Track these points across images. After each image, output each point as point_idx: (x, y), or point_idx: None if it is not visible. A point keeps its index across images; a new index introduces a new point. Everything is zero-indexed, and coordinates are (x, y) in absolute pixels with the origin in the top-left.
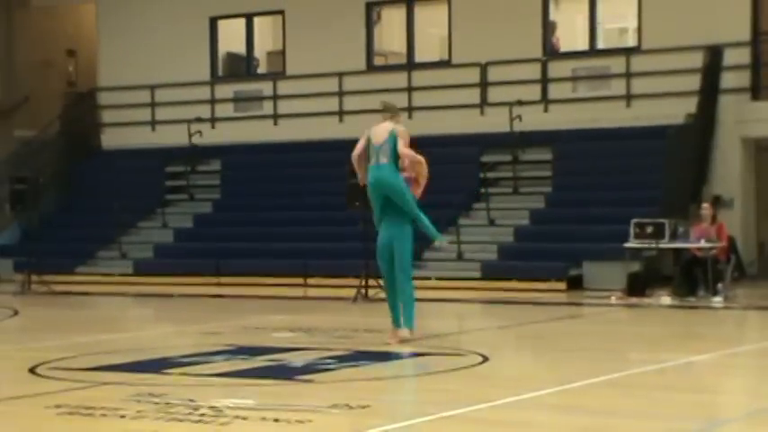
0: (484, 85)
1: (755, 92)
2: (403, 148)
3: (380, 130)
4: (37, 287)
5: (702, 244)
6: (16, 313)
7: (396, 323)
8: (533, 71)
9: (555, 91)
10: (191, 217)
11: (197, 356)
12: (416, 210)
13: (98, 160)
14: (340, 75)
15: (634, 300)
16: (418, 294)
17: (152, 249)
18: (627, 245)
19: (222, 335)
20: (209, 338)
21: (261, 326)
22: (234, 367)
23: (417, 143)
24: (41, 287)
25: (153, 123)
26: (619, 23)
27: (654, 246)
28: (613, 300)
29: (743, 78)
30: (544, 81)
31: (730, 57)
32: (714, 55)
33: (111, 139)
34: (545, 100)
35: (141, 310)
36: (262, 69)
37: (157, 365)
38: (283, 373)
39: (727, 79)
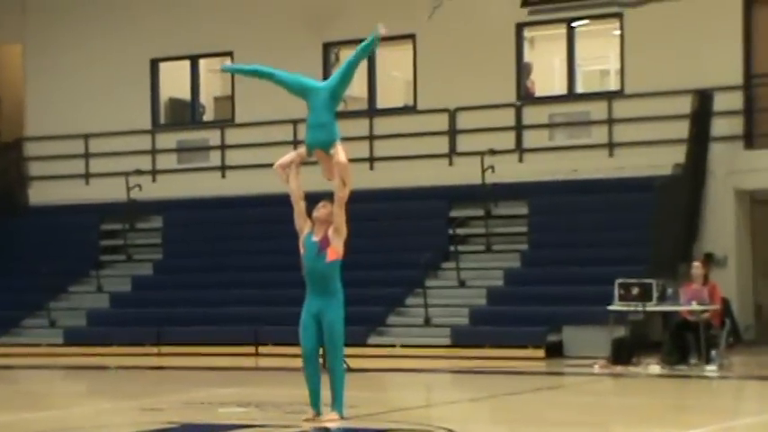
0: (453, 132)
1: (749, 140)
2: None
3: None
4: None
5: (694, 306)
6: None
7: (316, 408)
8: (507, 117)
9: (530, 139)
10: (129, 280)
11: None
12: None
13: (24, 217)
14: (294, 122)
15: (619, 368)
16: (382, 363)
17: (85, 316)
18: (611, 308)
19: (163, 411)
20: (148, 415)
21: (206, 400)
22: None
23: (380, 196)
24: None
25: (87, 176)
26: (600, 65)
27: (640, 309)
28: (597, 368)
29: (735, 125)
30: (518, 128)
31: (721, 102)
32: (704, 100)
33: (40, 194)
34: (520, 149)
35: (72, 384)
36: (208, 117)
37: None
38: None
39: (719, 126)
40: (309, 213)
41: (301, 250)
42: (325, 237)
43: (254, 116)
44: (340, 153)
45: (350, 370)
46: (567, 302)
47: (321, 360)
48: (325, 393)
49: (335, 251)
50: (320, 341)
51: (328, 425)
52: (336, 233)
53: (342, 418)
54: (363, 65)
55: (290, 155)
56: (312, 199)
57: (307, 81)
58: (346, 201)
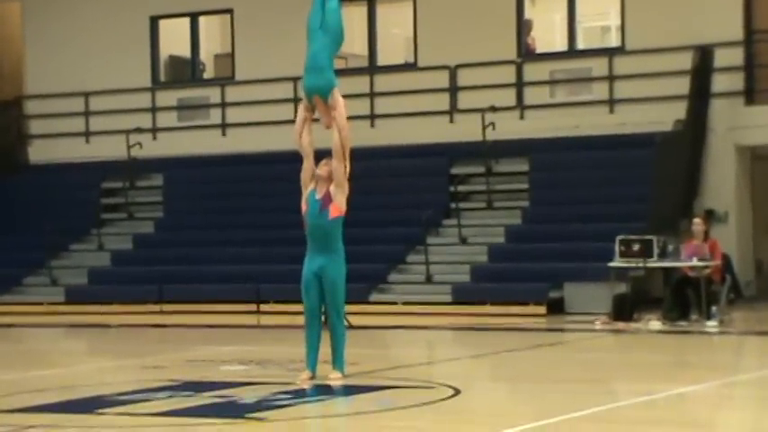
0: (453, 89)
1: (749, 96)
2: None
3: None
4: None
5: (694, 263)
6: None
7: (311, 367)
8: (507, 74)
9: (531, 96)
10: (130, 238)
11: (136, 394)
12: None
13: (25, 176)
14: (294, 80)
15: (620, 325)
16: (384, 320)
17: (86, 275)
18: (612, 264)
19: (165, 369)
20: (150, 373)
21: (208, 358)
22: (177, 405)
23: (381, 154)
24: None
25: (87, 134)
26: (600, 22)
27: (641, 265)
28: (598, 325)
29: (736, 81)
30: (519, 85)
31: (722, 58)
32: (704, 56)
33: (40, 153)
34: (520, 106)
35: (74, 342)
36: (208, 74)
37: (91, 405)
38: (233, 410)
39: (719, 82)
40: None
41: (304, 207)
42: (327, 194)
43: (255, 74)
44: (338, 99)
45: (351, 327)
46: (569, 259)
47: (323, 318)
48: (326, 351)
49: (338, 208)
50: (322, 299)
51: (331, 383)
52: (338, 188)
53: (343, 375)
54: (363, 22)
55: (299, 117)
56: (321, 156)
57: (314, 23)
58: (348, 156)
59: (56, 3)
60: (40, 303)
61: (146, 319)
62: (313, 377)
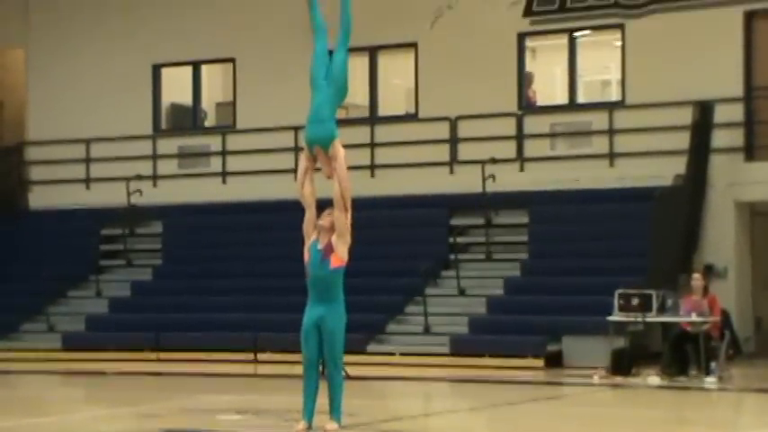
0: (454, 141)
1: (749, 152)
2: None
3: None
4: None
5: (693, 318)
6: None
7: (308, 417)
8: (508, 126)
9: (531, 148)
10: (128, 285)
11: None
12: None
13: (25, 222)
14: (295, 129)
15: (619, 379)
16: (381, 371)
17: (83, 321)
18: (611, 318)
19: (161, 417)
20: (145, 422)
21: (205, 407)
22: None
23: (381, 204)
24: None
25: (87, 181)
26: (601, 76)
27: (640, 319)
28: (596, 379)
29: (736, 137)
30: (519, 137)
31: (722, 113)
32: (704, 111)
33: (40, 199)
34: (520, 158)
35: (70, 389)
36: (209, 122)
37: None
38: None
39: (719, 138)
40: None
41: (306, 257)
42: (329, 244)
43: (256, 122)
44: (338, 150)
45: (349, 378)
46: (567, 312)
47: (320, 367)
48: (323, 401)
49: (339, 258)
50: (321, 349)
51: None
52: (339, 238)
53: (340, 426)
54: (365, 73)
55: (301, 166)
56: (322, 206)
57: (322, 75)
58: (349, 206)
59: (59, 49)
60: (37, 350)
61: (143, 366)
62: (309, 427)
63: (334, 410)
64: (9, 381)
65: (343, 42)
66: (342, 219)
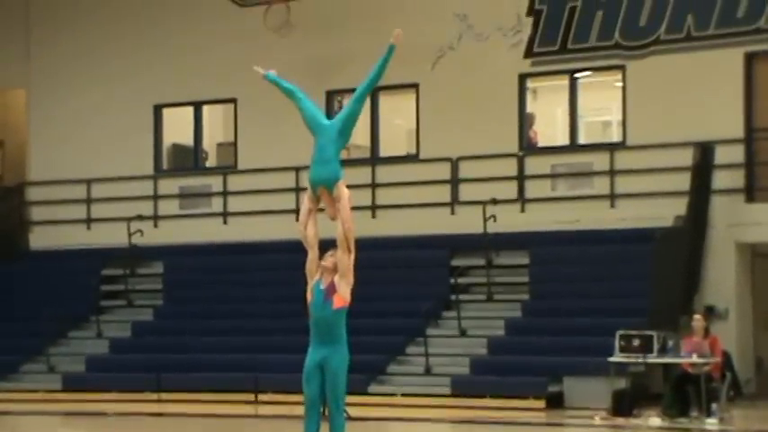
0: (455, 181)
1: (750, 193)
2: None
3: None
4: None
5: (694, 359)
6: None
7: None
8: (509, 167)
9: (532, 189)
10: (128, 325)
11: None
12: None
13: (25, 262)
14: (296, 169)
15: (620, 420)
16: (383, 411)
17: (84, 362)
18: (612, 359)
19: None
20: None
21: None
22: None
23: (381, 244)
24: None
25: (88, 221)
26: (602, 117)
27: (641, 360)
28: (597, 420)
29: (736, 178)
30: (520, 178)
31: (722, 155)
32: (705, 152)
33: (41, 239)
34: (521, 199)
35: (70, 431)
36: (211, 163)
37: None
38: None
39: (720, 179)
40: None
41: (309, 297)
42: (331, 284)
43: (257, 163)
44: (342, 191)
45: (350, 419)
46: (568, 353)
47: (322, 408)
48: None
49: (342, 299)
50: (323, 390)
51: None
52: (342, 278)
53: None
54: (366, 114)
55: (304, 207)
56: (325, 246)
57: (320, 117)
58: (352, 247)
59: (61, 90)
60: (37, 390)
61: (143, 407)
62: None
63: None
64: (9, 422)
65: (362, 93)
66: (345, 260)
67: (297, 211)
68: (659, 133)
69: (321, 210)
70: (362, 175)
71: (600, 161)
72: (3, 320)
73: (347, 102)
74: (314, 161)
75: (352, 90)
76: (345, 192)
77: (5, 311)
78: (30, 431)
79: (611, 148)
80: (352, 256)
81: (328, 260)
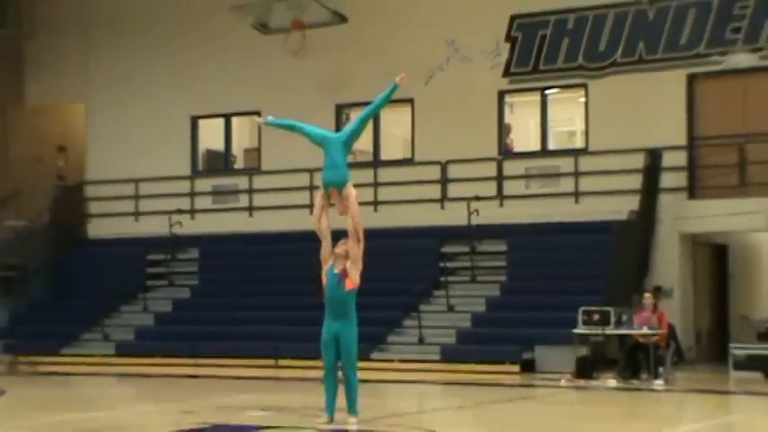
0: (444, 181)
1: (692, 191)
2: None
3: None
4: (24, 367)
5: (645, 331)
6: (3, 393)
7: (330, 413)
8: (490, 169)
9: (509, 188)
10: (170, 302)
11: None
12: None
13: (84, 248)
14: (311, 171)
15: (582, 382)
16: (382, 375)
17: (133, 332)
18: (575, 331)
19: (198, 413)
20: (185, 417)
21: (235, 405)
22: None
23: (382, 235)
24: (28, 367)
25: (136, 214)
26: (568, 127)
27: (600, 332)
28: (563, 382)
29: (680, 179)
30: (499, 178)
31: (668, 159)
32: (654, 157)
33: (97, 229)
34: (500, 196)
35: (122, 389)
36: (238, 165)
37: None
38: None
39: (666, 179)
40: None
41: (324, 280)
42: (344, 269)
43: (278, 165)
44: (350, 191)
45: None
46: (539, 326)
47: (339, 372)
48: (339, 400)
49: (353, 281)
50: (338, 357)
51: (348, 427)
52: (353, 265)
53: (358, 419)
54: (369, 124)
55: (317, 204)
56: (337, 236)
57: (326, 133)
58: (361, 238)
59: (114, 103)
60: (94, 355)
61: (182, 370)
62: (332, 421)
63: (352, 407)
64: (70, 381)
65: (365, 117)
66: (355, 249)
67: (311, 207)
68: (616, 141)
69: (332, 205)
70: (366, 175)
71: (566, 164)
72: (65, 297)
73: (353, 116)
74: (325, 167)
75: (358, 104)
76: (353, 191)
77: (67, 290)
78: (87, 389)
79: (576, 153)
80: (362, 246)
81: (340, 248)
